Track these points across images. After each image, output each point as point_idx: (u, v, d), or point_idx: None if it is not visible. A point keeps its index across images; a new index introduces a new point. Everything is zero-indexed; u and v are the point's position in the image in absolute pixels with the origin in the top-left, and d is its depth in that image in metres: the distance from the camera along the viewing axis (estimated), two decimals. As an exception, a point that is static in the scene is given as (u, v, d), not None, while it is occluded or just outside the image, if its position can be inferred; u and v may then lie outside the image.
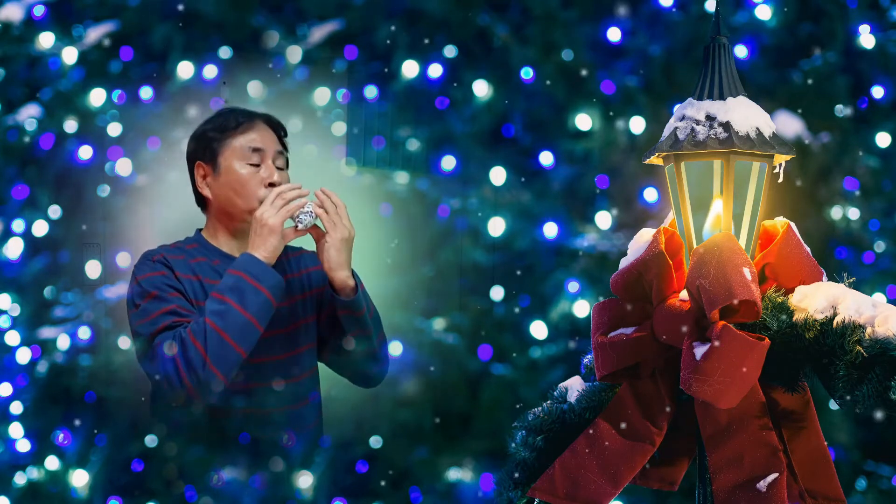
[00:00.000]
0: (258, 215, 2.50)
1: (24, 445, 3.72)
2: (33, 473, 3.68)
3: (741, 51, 4.01)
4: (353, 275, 2.57)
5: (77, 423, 3.72)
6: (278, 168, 2.66)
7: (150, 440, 3.08)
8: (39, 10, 3.81)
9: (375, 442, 3.93)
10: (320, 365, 2.77)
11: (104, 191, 3.93)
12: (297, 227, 2.53)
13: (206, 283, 2.56)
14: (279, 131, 2.72)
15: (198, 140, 2.68)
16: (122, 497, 3.54)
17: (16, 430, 3.73)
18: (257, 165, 2.62)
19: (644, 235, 1.69)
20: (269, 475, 2.69)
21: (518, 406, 3.66)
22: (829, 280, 1.63)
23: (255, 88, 3.95)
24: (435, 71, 4.00)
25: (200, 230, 2.72)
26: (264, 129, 2.68)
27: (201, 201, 2.71)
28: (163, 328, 2.45)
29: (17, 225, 3.81)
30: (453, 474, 3.87)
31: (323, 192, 2.55)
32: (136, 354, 2.51)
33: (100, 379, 3.84)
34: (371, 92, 4.12)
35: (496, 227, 4.01)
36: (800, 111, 3.99)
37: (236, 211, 2.62)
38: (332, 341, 2.68)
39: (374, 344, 2.62)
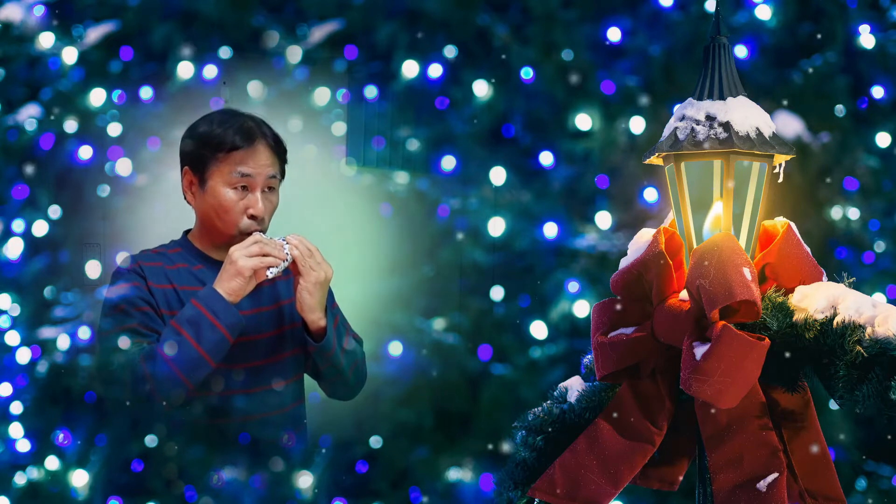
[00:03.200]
0: (232, 252, 2.48)
1: (24, 445, 3.73)
2: (33, 473, 3.69)
3: (741, 51, 4.01)
4: (327, 312, 2.57)
5: (77, 423, 3.72)
6: (269, 188, 2.62)
7: (150, 440, 3.08)
8: (39, 10, 3.81)
9: (375, 442, 3.93)
10: None
11: (104, 191, 3.93)
12: (267, 275, 2.52)
13: (181, 290, 2.56)
14: (279, 151, 2.66)
15: (190, 147, 2.62)
16: (122, 497, 3.54)
17: (16, 430, 3.73)
18: (244, 190, 2.58)
19: (644, 235, 1.69)
20: (268, 475, 2.69)
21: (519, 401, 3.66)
22: (829, 280, 1.63)
23: (255, 88, 3.95)
24: (435, 71, 4.00)
25: (188, 232, 2.70)
26: (262, 152, 2.60)
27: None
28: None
29: (17, 225, 3.81)
30: (453, 474, 3.87)
31: (289, 241, 2.53)
32: (95, 361, 2.56)
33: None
34: (371, 92, 4.12)
35: (496, 227, 4.01)
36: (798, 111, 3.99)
37: (215, 230, 2.60)
38: (308, 359, 2.69)
39: (345, 374, 2.64)
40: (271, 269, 2.52)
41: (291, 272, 2.55)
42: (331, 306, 2.65)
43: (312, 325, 2.55)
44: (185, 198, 2.68)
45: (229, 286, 2.47)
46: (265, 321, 2.61)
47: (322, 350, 2.57)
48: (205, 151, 2.59)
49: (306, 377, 2.77)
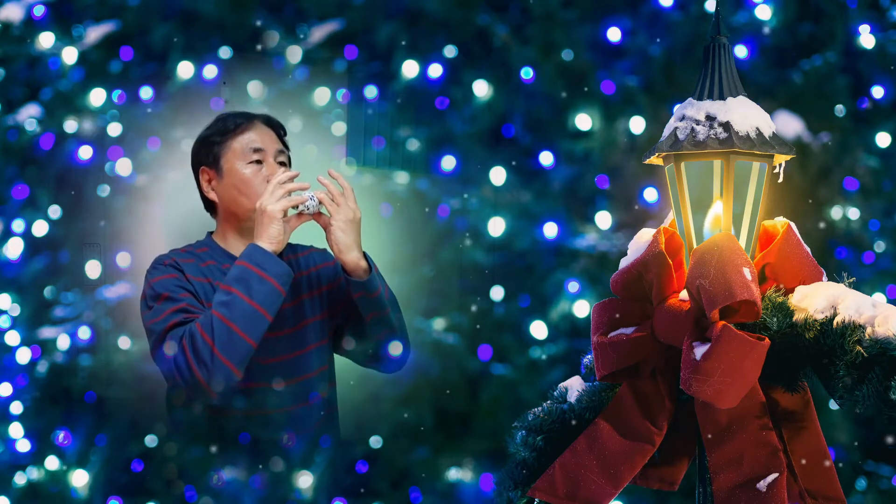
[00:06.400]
0: (258, 205, 2.51)
1: (24, 445, 3.72)
2: (33, 473, 3.69)
3: (741, 51, 4.01)
4: (366, 256, 2.57)
5: (77, 423, 3.72)
6: (281, 164, 2.68)
7: (150, 440, 3.08)
8: (39, 10, 3.81)
9: (375, 442, 3.93)
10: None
11: (104, 191, 3.93)
12: (305, 211, 2.53)
13: (216, 285, 2.57)
14: (278, 131, 2.74)
15: (199, 146, 2.72)
16: (122, 497, 3.54)
17: (16, 430, 3.73)
18: (259, 163, 2.64)
19: (644, 235, 1.69)
20: (270, 475, 2.69)
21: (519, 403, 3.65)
22: (829, 280, 1.63)
23: (255, 88, 3.95)
24: (435, 71, 4.00)
25: (211, 233, 2.74)
26: (263, 129, 2.70)
27: (209, 205, 2.73)
28: (173, 325, 2.47)
29: (17, 225, 3.81)
30: (453, 474, 3.87)
31: (330, 174, 2.57)
32: (150, 351, 2.54)
33: (100, 379, 3.84)
34: (371, 92, 4.12)
35: (496, 227, 4.01)
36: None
37: (242, 210, 2.64)
38: (350, 327, 2.68)
39: (392, 323, 2.62)
40: (307, 205, 2.52)
41: (323, 217, 2.55)
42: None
43: (353, 266, 2.53)
44: (205, 203, 2.73)
45: (268, 235, 2.49)
46: (287, 317, 2.62)
47: (367, 290, 2.54)
48: (213, 141, 2.68)
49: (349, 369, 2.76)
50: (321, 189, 2.55)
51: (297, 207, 2.52)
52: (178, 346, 2.43)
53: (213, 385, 2.43)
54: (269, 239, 2.49)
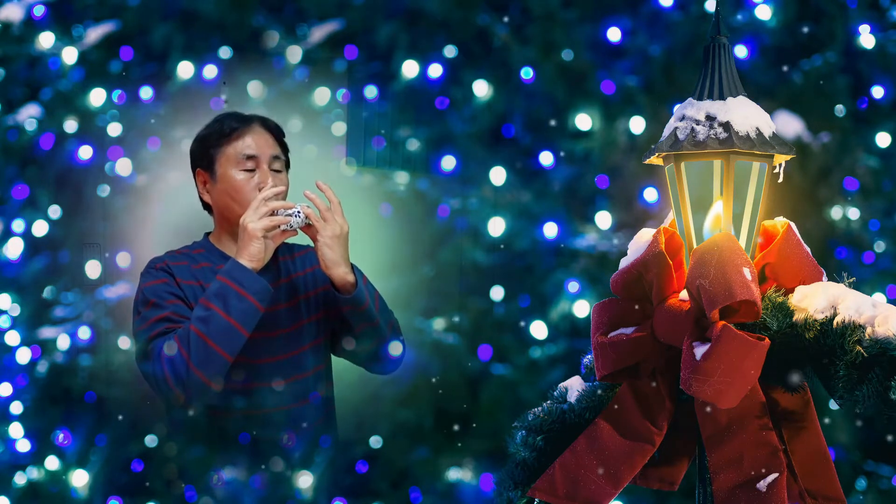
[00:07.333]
0: (241, 221, 2.51)
1: (24, 445, 3.72)
2: (33, 473, 3.68)
3: (741, 51, 4.01)
4: (354, 269, 2.57)
5: (77, 423, 3.72)
6: (276, 170, 2.66)
7: (150, 440, 3.08)
8: (39, 10, 3.81)
9: (375, 442, 3.93)
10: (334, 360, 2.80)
11: (104, 191, 3.93)
12: (289, 227, 2.53)
13: (207, 287, 2.58)
14: (276, 133, 2.72)
15: (196, 147, 2.72)
16: (122, 497, 3.54)
17: (16, 430, 3.73)
18: (252, 171, 2.63)
19: (644, 235, 1.69)
20: (270, 475, 2.69)
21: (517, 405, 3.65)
22: (829, 280, 1.63)
23: (255, 88, 3.95)
24: (435, 71, 4.00)
25: (209, 234, 2.74)
26: (259, 132, 2.68)
27: (207, 205, 2.73)
28: (156, 335, 2.49)
29: (17, 225, 3.81)
30: (453, 474, 3.87)
31: (318, 186, 2.56)
32: (135, 358, 2.55)
33: (100, 379, 3.84)
34: (371, 92, 4.12)
35: (496, 227, 4.01)
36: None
37: (234, 217, 2.64)
38: (342, 335, 2.69)
39: (383, 333, 2.63)
40: (290, 223, 2.52)
41: (311, 228, 2.55)
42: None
43: (340, 281, 2.54)
44: (202, 202, 2.73)
45: (248, 252, 2.49)
46: (285, 317, 2.63)
47: (355, 304, 2.55)
48: (209, 143, 2.68)
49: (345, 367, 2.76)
50: (305, 202, 2.55)
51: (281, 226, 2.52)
52: (157, 358, 2.44)
53: (188, 396, 2.47)
54: (250, 256, 2.49)
